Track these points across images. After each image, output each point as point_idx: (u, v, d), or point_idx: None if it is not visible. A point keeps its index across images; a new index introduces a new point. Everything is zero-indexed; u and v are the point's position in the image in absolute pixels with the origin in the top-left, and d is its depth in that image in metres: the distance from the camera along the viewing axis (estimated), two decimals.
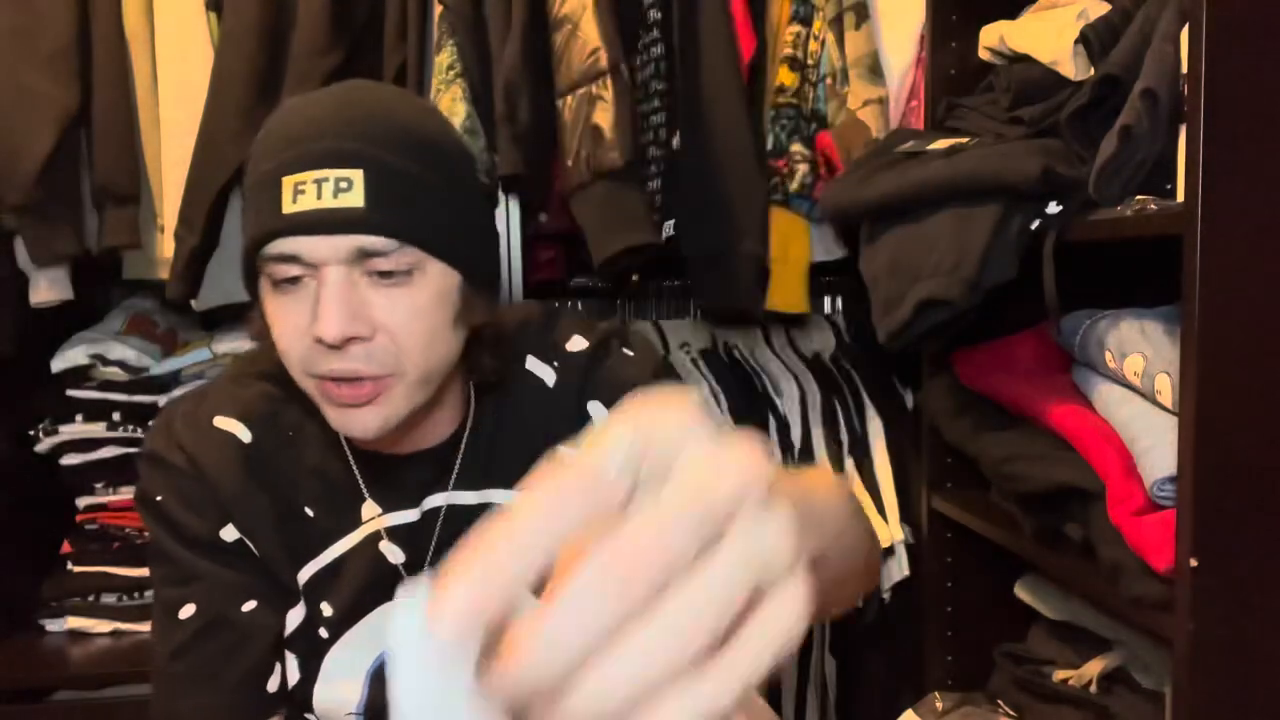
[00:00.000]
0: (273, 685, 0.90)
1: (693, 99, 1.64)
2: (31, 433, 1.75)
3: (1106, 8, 1.22)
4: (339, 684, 0.91)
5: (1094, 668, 1.26)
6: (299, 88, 1.61)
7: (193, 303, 1.74)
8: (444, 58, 1.63)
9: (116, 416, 1.75)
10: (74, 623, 1.77)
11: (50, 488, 1.80)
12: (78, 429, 1.75)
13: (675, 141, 1.65)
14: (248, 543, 0.89)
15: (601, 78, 1.53)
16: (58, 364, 1.76)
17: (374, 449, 0.90)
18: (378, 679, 0.91)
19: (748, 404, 1.84)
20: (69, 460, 1.76)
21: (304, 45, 1.62)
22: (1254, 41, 0.90)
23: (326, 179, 0.75)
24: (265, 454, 0.90)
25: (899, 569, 1.77)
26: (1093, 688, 1.26)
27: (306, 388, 0.82)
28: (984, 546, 1.41)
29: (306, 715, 0.94)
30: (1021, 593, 1.46)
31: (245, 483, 0.89)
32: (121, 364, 1.77)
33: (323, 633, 0.92)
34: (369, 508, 0.91)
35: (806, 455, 1.80)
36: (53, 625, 1.77)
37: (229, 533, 0.89)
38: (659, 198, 1.66)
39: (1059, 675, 1.31)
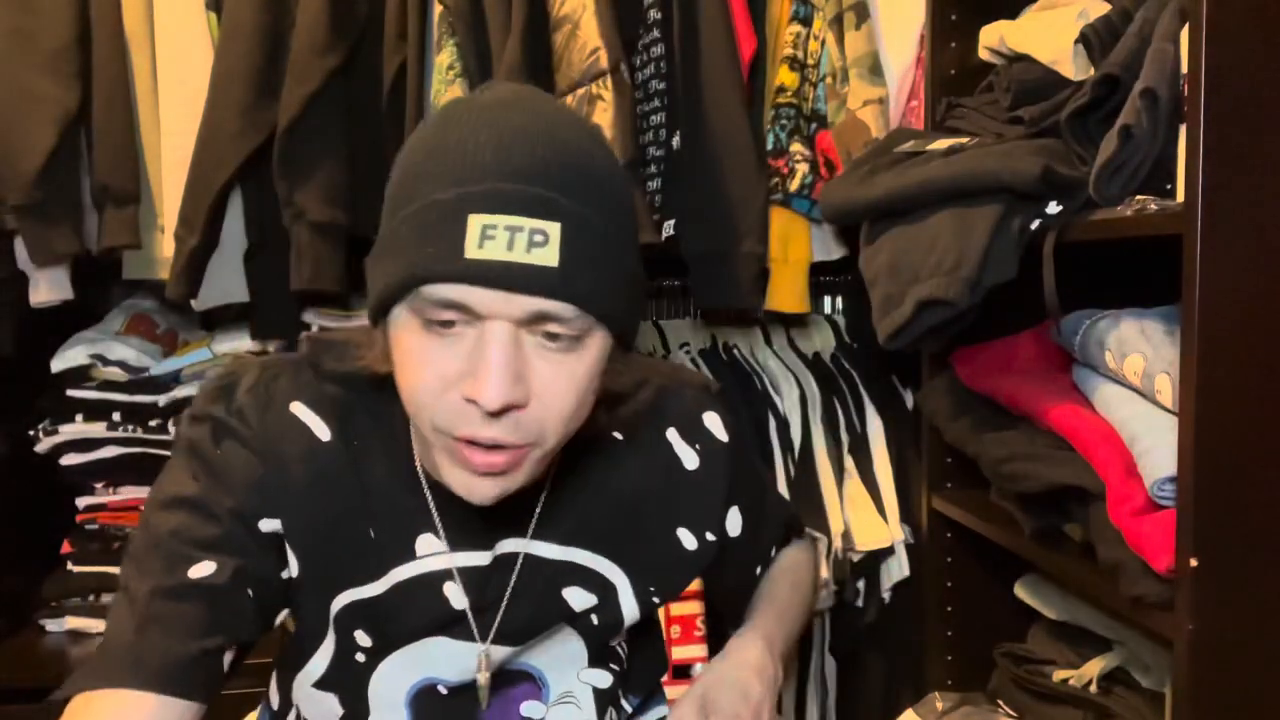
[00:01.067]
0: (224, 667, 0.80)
1: (693, 99, 1.64)
2: (31, 433, 1.75)
3: (1106, 8, 1.22)
4: (380, 712, 0.88)
5: (1094, 668, 1.26)
6: (299, 88, 1.61)
7: (193, 303, 1.74)
8: (444, 58, 1.63)
9: (116, 416, 1.76)
10: (74, 623, 1.77)
11: (50, 488, 1.80)
12: (78, 429, 1.75)
13: (675, 141, 1.65)
14: (287, 547, 0.81)
15: (601, 78, 1.53)
16: (58, 364, 1.76)
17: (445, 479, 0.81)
18: (417, 703, 0.88)
19: (748, 403, 1.84)
20: (69, 460, 1.77)
21: (304, 45, 1.62)
22: (1254, 41, 0.90)
23: (521, 229, 0.66)
24: (338, 460, 0.82)
25: (899, 569, 1.77)
26: (1093, 688, 1.26)
27: (432, 438, 0.73)
28: (984, 546, 1.41)
29: None
30: (1021, 593, 1.46)
31: (312, 483, 0.80)
32: (121, 364, 1.77)
33: (360, 658, 0.87)
34: (427, 542, 0.84)
35: (806, 455, 1.80)
36: (53, 625, 1.77)
37: (268, 525, 0.81)
38: (659, 198, 1.66)
39: (1059, 675, 1.31)
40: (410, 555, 0.84)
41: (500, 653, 0.89)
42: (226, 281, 1.74)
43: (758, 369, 1.91)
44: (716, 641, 1.71)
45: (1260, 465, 0.93)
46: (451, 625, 0.86)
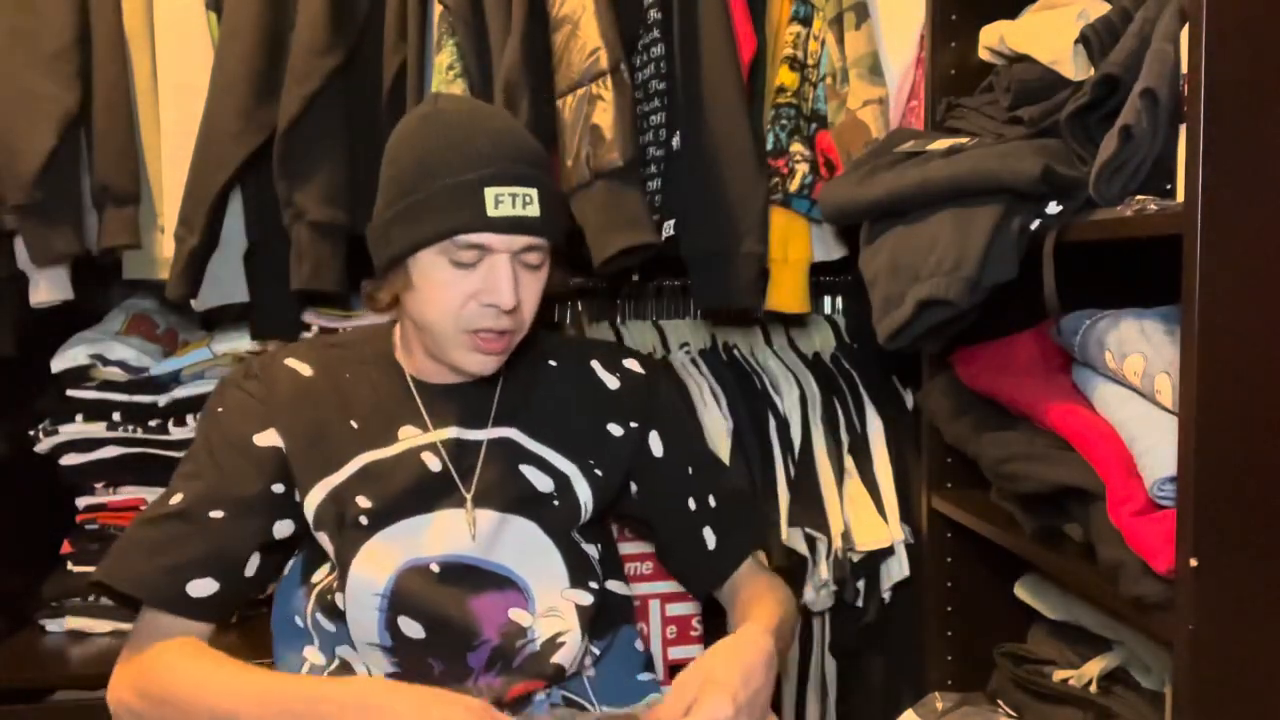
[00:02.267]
0: (194, 590, 1.08)
1: (693, 99, 1.64)
2: (31, 433, 1.75)
3: (1106, 8, 1.22)
4: (372, 566, 1.09)
5: (1094, 668, 1.26)
6: (298, 88, 1.61)
7: (193, 303, 1.74)
8: (444, 58, 1.63)
9: (116, 416, 1.75)
10: (74, 623, 1.77)
11: (50, 488, 1.80)
12: (78, 429, 1.75)
13: (675, 141, 1.65)
14: (281, 449, 1.12)
15: (601, 78, 1.53)
16: (58, 364, 1.76)
17: (431, 380, 1.16)
18: (406, 574, 1.09)
19: (747, 403, 1.84)
20: (69, 460, 1.76)
21: (304, 45, 1.62)
22: (1254, 41, 0.90)
23: (518, 194, 1.03)
24: (321, 386, 1.15)
25: (899, 569, 1.77)
26: (1093, 688, 1.26)
27: (453, 338, 1.08)
28: (984, 546, 1.41)
29: (335, 598, 1.10)
30: (1021, 593, 1.46)
31: (299, 401, 1.13)
32: (121, 364, 1.77)
33: (362, 520, 1.10)
34: (408, 431, 1.14)
35: (806, 455, 1.80)
36: (53, 625, 1.77)
37: (264, 438, 1.12)
38: (659, 198, 1.66)
39: (1059, 675, 1.31)
40: (394, 439, 1.13)
41: (484, 517, 1.11)
42: (226, 281, 1.74)
43: (758, 369, 1.91)
44: (713, 642, 1.71)
45: (1260, 465, 0.93)
46: (434, 488, 1.11)
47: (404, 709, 0.92)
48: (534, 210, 1.04)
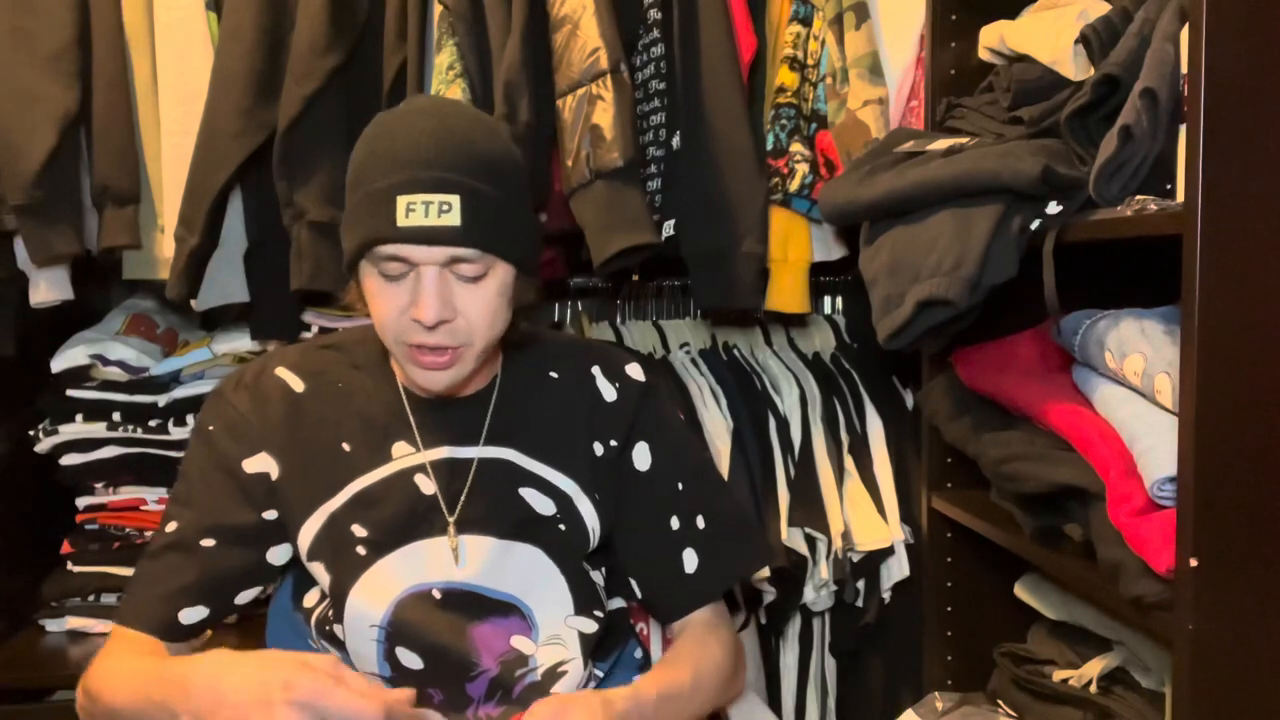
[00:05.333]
0: (185, 617, 1.08)
1: (693, 99, 1.64)
2: (31, 433, 1.75)
3: (1106, 8, 1.22)
4: (370, 596, 1.07)
5: (1094, 668, 1.26)
6: (298, 88, 1.61)
7: (193, 303, 1.74)
8: (444, 58, 1.63)
9: (116, 416, 1.75)
10: (74, 623, 1.77)
11: (50, 488, 1.80)
12: (78, 429, 1.75)
13: (675, 141, 1.65)
14: (270, 476, 1.09)
15: (601, 78, 1.53)
16: (58, 364, 1.76)
17: (424, 395, 1.10)
18: (406, 601, 1.07)
19: (747, 403, 1.83)
20: (69, 460, 1.76)
21: (304, 45, 1.62)
22: (1254, 41, 0.90)
23: (432, 201, 0.95)
24: (313, 401, 1.11)
25: (899, 569, 1.77)
26: (1093, 688, 1.26)
27: (395, 350, 1.03)
28: (984, 546, 1.41)
29: (334, 629, 1.09)
30: (1021, 593, 1.46)
31: (290, 422, 1.10)
32: (121, 364, 1.77)
33: (360, 550, 1.08)
34: (401, 448, 1.10)
35: (806, 455, 1.80)
36: (53, 625, 1.77)
37: (254, 464, 1.09)
38: (659, 198, 1.66)
39: (1059, 675, 1.31)
40: (387, 458, 1.10)
41: (476, 543, 1.08)
42: (226, 281, 1.74)
43: (758, 369, 1.91)
44: None
45: (1260, 465, 0.93)
46: (425, 513, 1.08)
47: (242, 684, 0.89)
48: (453, 219, 0.95)
